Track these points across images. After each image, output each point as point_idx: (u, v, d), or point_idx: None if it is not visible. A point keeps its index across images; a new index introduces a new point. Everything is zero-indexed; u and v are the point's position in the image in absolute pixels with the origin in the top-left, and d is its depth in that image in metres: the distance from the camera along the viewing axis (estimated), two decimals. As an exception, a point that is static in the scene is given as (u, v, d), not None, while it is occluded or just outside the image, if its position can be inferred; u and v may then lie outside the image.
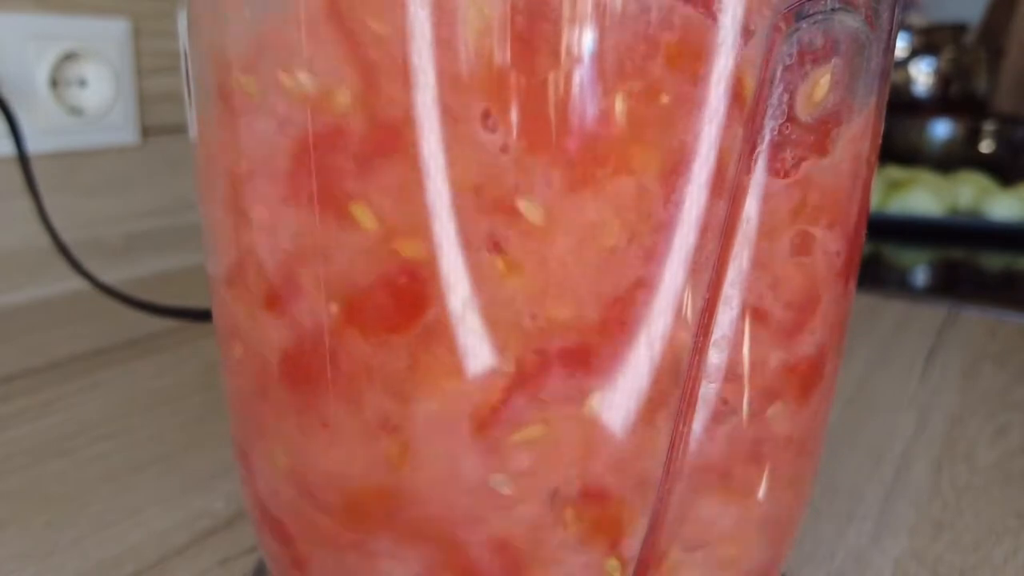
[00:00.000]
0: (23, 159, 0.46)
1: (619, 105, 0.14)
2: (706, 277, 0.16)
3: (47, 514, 0.29)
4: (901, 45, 1.04)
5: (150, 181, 0.60)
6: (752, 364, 0.17)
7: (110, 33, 0.55)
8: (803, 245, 0.17)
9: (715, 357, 0.17)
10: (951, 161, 0.88)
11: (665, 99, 0.14)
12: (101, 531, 0.28)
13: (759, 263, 0.16)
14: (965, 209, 0.77)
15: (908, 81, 1.05)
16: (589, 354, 0.16)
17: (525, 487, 0.16)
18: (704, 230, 0.15)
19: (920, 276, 0.69)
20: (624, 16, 0.14)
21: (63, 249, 0.46)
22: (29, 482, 0.31)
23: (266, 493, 0.19)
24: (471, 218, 0.15)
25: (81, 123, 0.55)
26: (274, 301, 0.17)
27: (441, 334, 0.16)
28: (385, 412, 0.16)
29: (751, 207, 0.16)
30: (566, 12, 0.14)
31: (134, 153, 0.59)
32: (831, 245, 0.18)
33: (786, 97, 0.15)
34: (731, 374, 0.17)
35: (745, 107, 0.15)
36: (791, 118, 0.16)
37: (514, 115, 0.14)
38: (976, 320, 0.53)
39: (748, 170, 0.16)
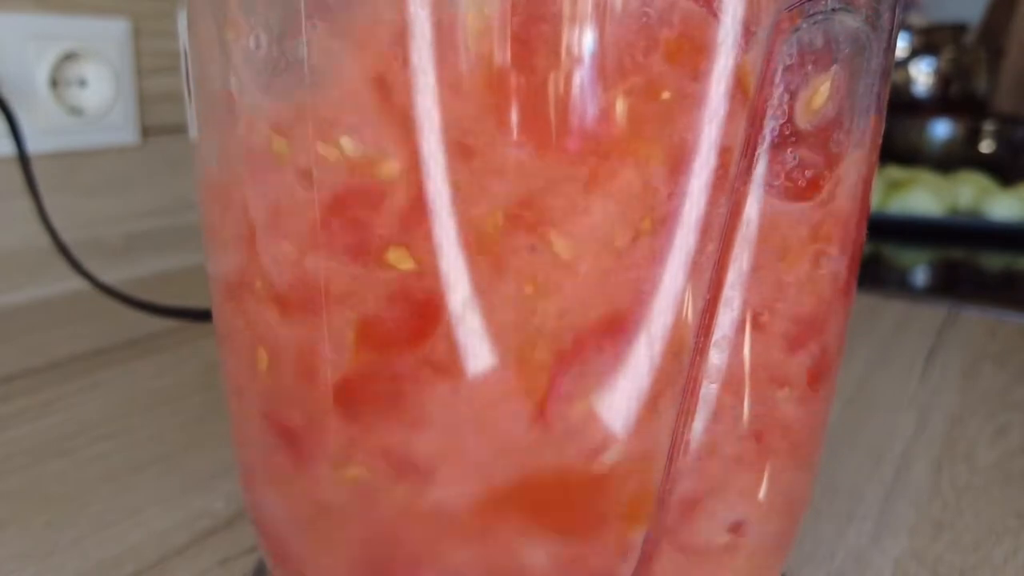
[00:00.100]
0: (23, 159, 0.46)
1: (620, 103, 0.14)
2: (707, 278, 0.16)
3: (47, 514, 0.29)
4: (901, 45, 1.04)
5: (150, 181, 0.60)
6: (752, 364, 0.17)
7: (110, 33, 0.55)
8: (804, 245, 0.17)
9: (715, 358, 0.17)
10: (951, 161, 0.88)
11: (666, 97, 0.14)
12: (101, 531, 0.28)
13: (760, 264, 0.16)
14: (965, 209, 0.77)
15: (908, 81, 1.05)
16: (590, 354, 0.16)
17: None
18: (705, 231, 0.15)
19: (920, 276, 0.69)
20: (625, 12, 0.14)
21: (63, 249, 0.46)
22: (29, 482, 0.31)
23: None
24: (501, 240, 0.15)
25: (81, 123, 0.55)
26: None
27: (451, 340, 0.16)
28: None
29: (752, 208, 0.16)
30: (566, 9, 0.14)
31: (134, 153, 0.59)
32: (833, 247, 0.18)
33: (787, 97, 0.15)
34: (731, 375, 0.17)
35: (746, 107, 0.15)
36: (791, 119, 0.16)
37: (519, 119, 0.14)
38: (976, 320, 0.53)
39: (749, 170, 0.16)
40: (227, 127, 0.17)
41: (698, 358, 0.16)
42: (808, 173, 0.16)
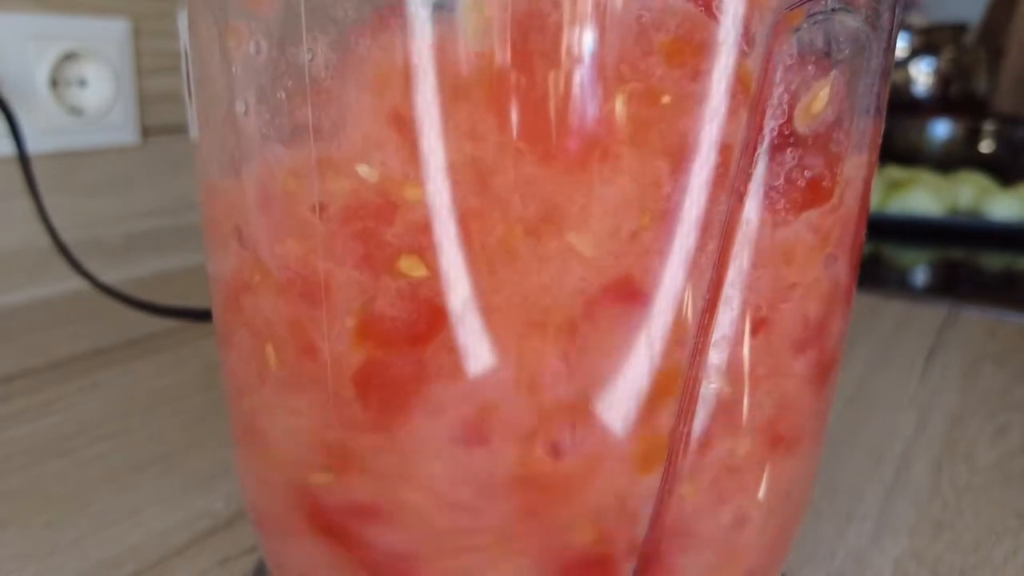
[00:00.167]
0: (23, 159, 0.46)
1: (620, 103, 0.14)
2: (707, 277, 0.16)
3: (47, 514, 0.29)
4: (901, 45, 1.04)
5: (150, 181, 0.60)
6: (752, 364, 0.17)
7: (110, 33, 0.55)
8: (804, 246, 0.17)
9: (715, 358, 0.17)
10: (951, 161, 0.88)
11: (666, 97, 0.14)
12: (101, 531, 0.28)
13: (760, 264, 0.16)
14: (965, 209, 0.77)
15: (908, 81, 1.05)
16: (591, 355, 0.16)
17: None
18: (705, 229, 0.15)
19: (920, 276, 0.69)
20: (624, 14, 0.14)
21: (63, 249, 0.46)
22: (29, 482, 0.31)
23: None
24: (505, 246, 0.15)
25: (81, 123, 0.55)
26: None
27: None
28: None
29: (751, 207, 0.16)
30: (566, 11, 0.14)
31: (134, 153, 0.59)
32: (833, 247, 0.18)
33: (787, 97, 0.15)
34: (731, 375, 0.17)
35: (746, 106, 0.15)
36: (791, 119, 0.16)
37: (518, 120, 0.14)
38: (976, 320, 0.53)
39: (749, 169, 0.16)
40: (232, 141, 0.17)
41: (698, 358, 0.16)
42: (808, 173, 0.16)
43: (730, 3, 0.14)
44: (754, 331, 0.17)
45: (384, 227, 0.15)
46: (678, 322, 0.16)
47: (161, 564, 0.26)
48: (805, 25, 0.15)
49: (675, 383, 0.16)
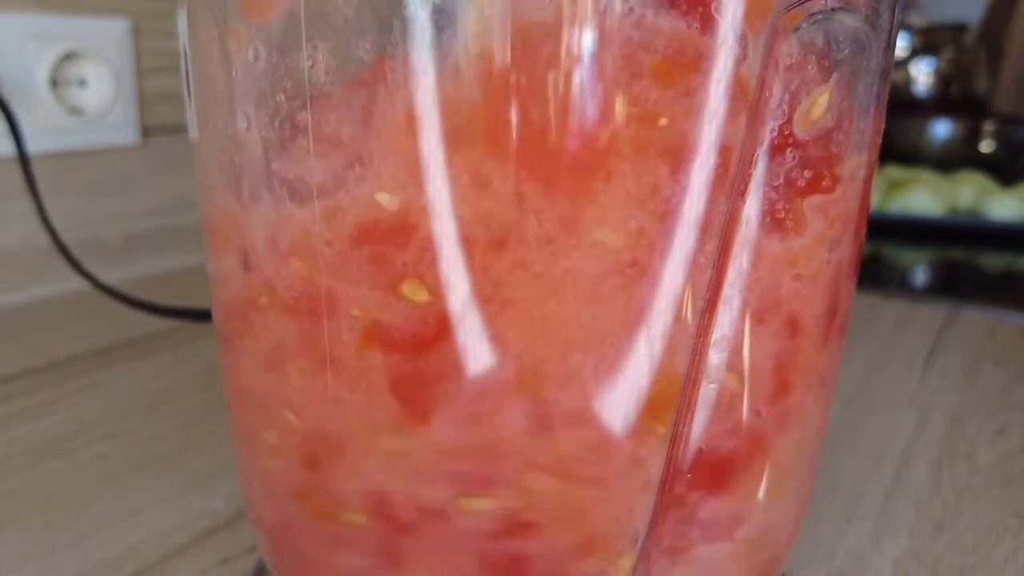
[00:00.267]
0: (23, 159, 0.46)
1: (620, 105, 0.14)
2: (707, 277, 0.16)
3: (47, 514, 0.29)
4: (901, 45, 1.04)
5: (150, 181, 0.60)
6: (752, 364, 0.17)
7: (110, 33, 0.55)
8: (804, 245, 0.17)
9: (715, 357, 0.17)
10: (951, 161, 0.88)
11: (663, 119, 0.14)
12: (101, 531, 0.28)
13: (759, 264, 0.16)
14: (965, 209, 0.77)
15: (908, 81, 1.05)
16: (591, 354, 0.16)
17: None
18: (705, 229, 0.15)
19: (920, 276, 0.69)
20: (623, 20, 0.14)
21: (63, 249, 0.46)
22: (29, 482, 0.31)
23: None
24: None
25: (81, 123, 0.55)
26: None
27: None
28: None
29: (751, 207, 0.16)
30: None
31: (134, 153, 0.59)
32: (832, 247, 0.18)
33: (787, 98, 0.15)
34: (731, 374, 0.17)
35: (745, 108, 0.15)
36: (791, 123, 0.16)
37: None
38: (976, 320, 0.53)
39: (749, 170, 0.16)
40: (233, 149, 0.17)
41: (698, 358, 0.16)
42: (807, 173, 0.16)
43: (727, 12, 0.14)
44: (754, 331, 0.17)
45: (393, 251, 0.15)
46: (678, 322, 0.16)
47: (161, 564, 0.26)
48: (805, 25, 0.15)
49: (675, 382, 0.16)
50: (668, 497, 0.17)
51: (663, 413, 0.17)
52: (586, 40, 0.14)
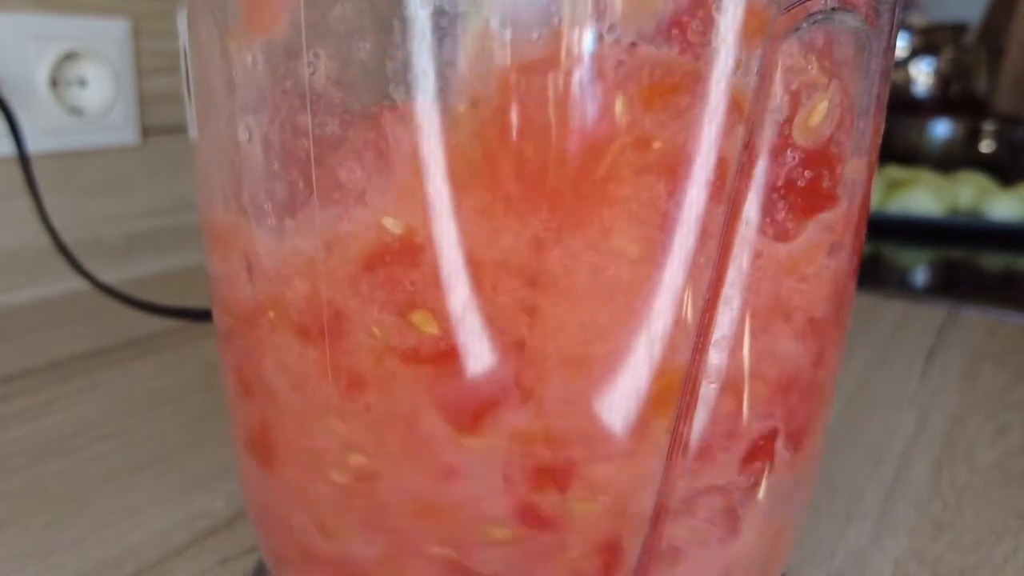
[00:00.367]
0: (23, 159, 0.46)
1: (619, 107, 0.14)
2: (707, 277, 0.16)
3: (47, 514, 0.29)
4: (901, 45, 1.04)
5: (150, 181, 0.60)
6: (752, 364, 0.17)
7: (110, 33, 0.55)
8: (804, 245, 0.17)
9: (715, 357, 0.17)
10: (951, 161, 0.88)
11: (657, 143, 0.15)
12: (101, 531, 0.28)
13: (759, 265, 0.16)
14: (965, 209, 0.77)
15: (908, 81, 1.05)
16: (591, 357, 0.16)
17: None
18: (704, 231, 0.15)
19: (920, 276, 0.69)
20: (614, 49, 0.14)
21: (63, 249, 0.46)
22: (29, 482, 0.31)
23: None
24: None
25: (81, 123, 0.55)
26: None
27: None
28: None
29: (751, 208, 0.16)
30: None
31: (134, 153, 0.59)
32: (832, 247, 0.18)
33: (786, 100, 0.15)
34: (731, 374, 0.17)
35: (746, 107, 0.15)
36: (790, 125, 0.16)
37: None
38: (976, 320, 0.53)
39: (749, 171, 0.16)
40: (233, 152, 0.17)
41: (698, 358, 0.16)
42: (807, 174, 0.16)
43: (724, 37, 0.14)
44: (754, 331, 0.17)
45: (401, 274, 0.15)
46: (678, 322, 0.16)
47: (161, 564, 0.26)
48: (805, 25, 0.15)
49: (675, 383, 0.16)
50: (668, 497, 0.17)
51: (663, 414, 0.17)
52: (582, 70, 0.14)
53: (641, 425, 0.16)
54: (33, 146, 0.50)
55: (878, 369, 0.44)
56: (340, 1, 0.14)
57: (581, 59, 0.14)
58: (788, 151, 0.16)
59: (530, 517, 0.17)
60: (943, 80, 1.04)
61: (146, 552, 0.27)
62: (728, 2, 0.14)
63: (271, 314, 0.17)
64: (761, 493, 0.19)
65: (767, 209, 0.16)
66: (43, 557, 0.26)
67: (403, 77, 0.14)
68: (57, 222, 0.47)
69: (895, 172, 0.85)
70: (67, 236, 0.48)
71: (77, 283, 0.50)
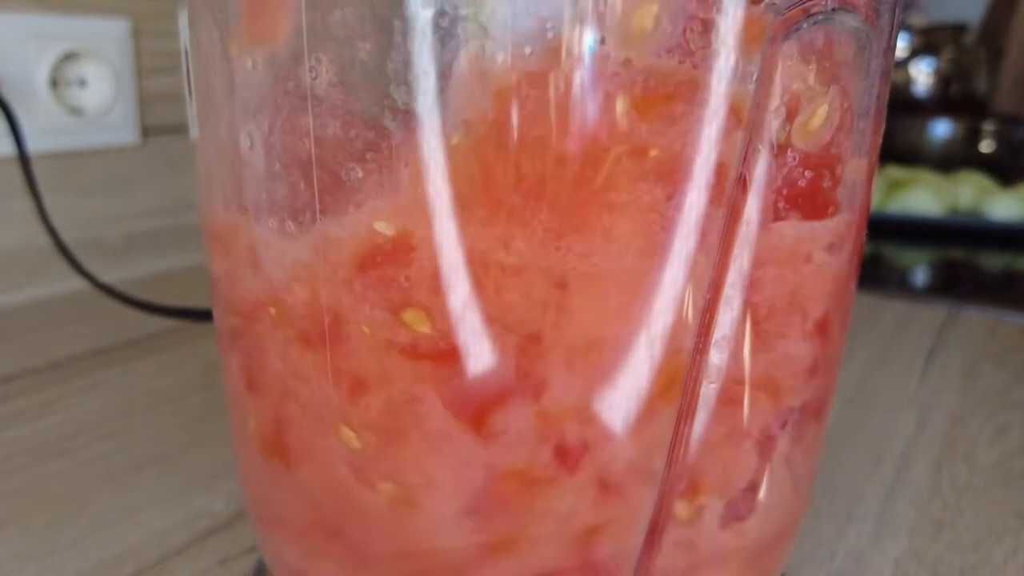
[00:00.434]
0: (23, 159, 0.46)
1: (620, 107, 0.14)
2: (707, 277, 0.16)
3: (47, 514, 0.29)
4: (901, 45, 1.04)
5: (150, 181, 0.60)
6: (752, 364, 0.17)
7: (110, 33, 0.55)
8: (804, 246, 0.17)
9: (716, 357, 0.17)
10: (951, 161, 0.88)
11: (654, 151, 0.15)
12: (101, 531, 0.28)
13: (760, 265, 0.16)
14: (965, 209, 0.77)
15: (908, 81, 1.05)
16: (591, 357, 0.16)
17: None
18: (705, 231, 0.15)
19: (920, 276, 0.69)
20: (608, 61, 0.14)
21: (63, 249, 0.46)
22: (29, 482, 0.31)
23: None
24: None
25: (81, 123, 0.55)
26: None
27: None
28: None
29: (751, 208, 0.16)
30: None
31: (134, 153, 0.59)
32: (833, 247, 0.18)
33: (786, 100, 0.15)
34: (731, 374, 0.17)
35: (745, 112, 0.15)
36: (790, 127, 0.16)
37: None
38: (976, 320, 0.53)
39: (749, 171, 0.16)
40: (235, 157, 0.17)
41: (698, 358, 0.16)
42: (808, 174, 0.16)
43: (722, 46, 0.14)
44: (754, 331, 0.17)
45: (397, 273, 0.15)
46: (678, 322, 0.16)
47: (161, 564, 0.26)
48: (805, 26, 0.15)
49: (675, 383, 0.16)
50: (668, 497, 0.17)
51: (663, 413, 0.17)
52: (579, 82, 0.14)
53: (641, 425, 0.16)
54: (33, 146, 0.50)
55: (878, 369, 0.44)
56: (340, 4, 0.14)
57: (581, 62, 0.14)
58: (788, 153, 0.16)
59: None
60: (943, 80, 1.04)
61: (146, 552, 0.27)
62: (727, 8, 0.14)
63: (272, 310, 0.17)
64: (762, 493, 0.19)
65: (767, 210, 0.16)
66: (43, 557, 0.26)
67: (404, 77, 0.14)
68: (57, 222, 0.47)
69: (895, 172, 0.85)
70: (67, 236, 0.48)
71: (77, 283, 0.50)
